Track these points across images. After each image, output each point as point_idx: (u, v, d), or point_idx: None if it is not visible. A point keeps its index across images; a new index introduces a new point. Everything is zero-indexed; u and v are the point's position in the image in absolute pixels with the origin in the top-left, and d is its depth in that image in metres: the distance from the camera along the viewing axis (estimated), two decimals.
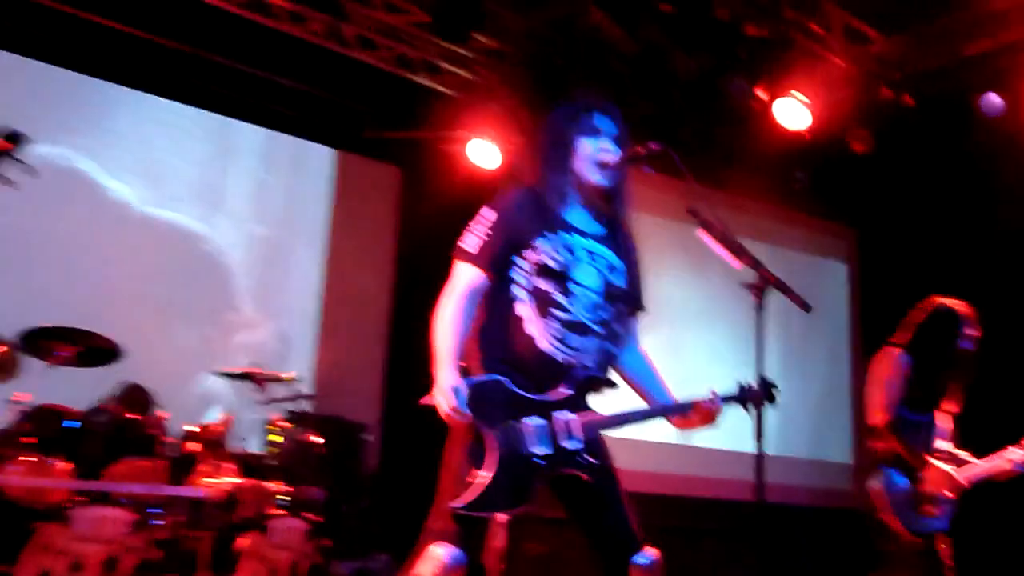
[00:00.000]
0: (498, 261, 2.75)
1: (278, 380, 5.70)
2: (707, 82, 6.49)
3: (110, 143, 6.61)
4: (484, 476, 2.54)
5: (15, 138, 2.08)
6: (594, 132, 2.86)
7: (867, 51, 6.51)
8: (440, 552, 2.53)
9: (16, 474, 4.56)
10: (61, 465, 4.67)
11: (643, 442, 6.00)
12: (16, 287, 5.88)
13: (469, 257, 2.76)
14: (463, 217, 2.89)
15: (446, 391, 2.57)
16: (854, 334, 8.70)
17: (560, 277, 2.74)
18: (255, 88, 7.00)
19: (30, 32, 6.11)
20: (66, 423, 4.87)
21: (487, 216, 2.81)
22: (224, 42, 6.55)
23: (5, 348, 4.92)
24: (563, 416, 2.68)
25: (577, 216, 2.87)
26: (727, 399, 2.83)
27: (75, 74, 6.49)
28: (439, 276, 2.83)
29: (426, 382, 2.70)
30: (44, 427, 4.80)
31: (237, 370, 5.65)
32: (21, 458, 4.62)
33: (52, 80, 6.37)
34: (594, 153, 2.84)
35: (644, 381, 2.97)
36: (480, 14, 6.05)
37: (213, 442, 5.22)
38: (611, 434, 2.80)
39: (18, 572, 4.19)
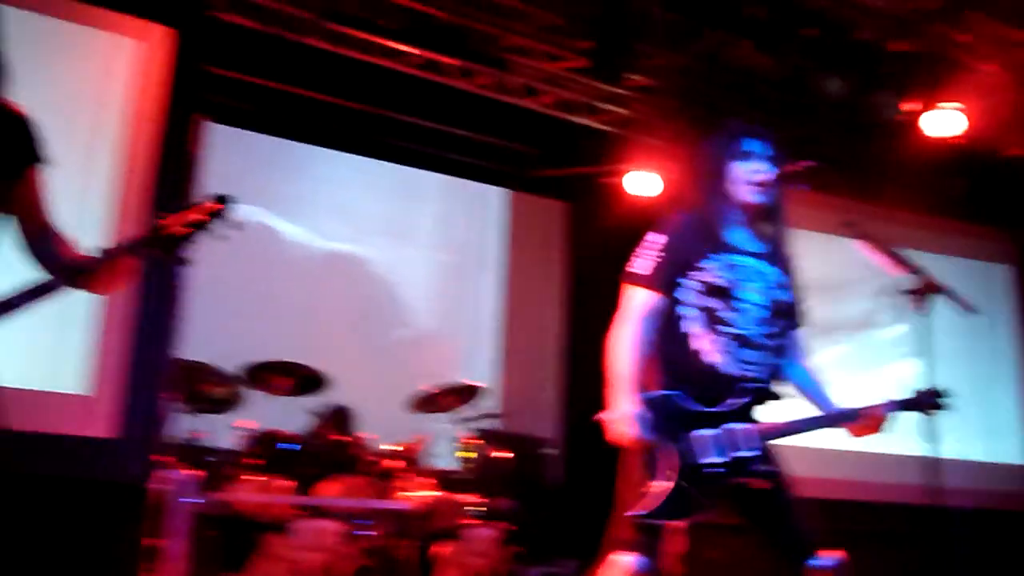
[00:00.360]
0: (668, 282, 2.70)
1: (469, 392, 5.76)
2: (855, 100, 6.22)
3: (310, 197, 6.96)
4: (661, 486, 2.50)
5: (223, 199, 2.22)
6: (747, 156, 2.78)
7: (1018, 55, 6.08)
8: (624, 560, 2.50)
9: (245, 492, 4.80)
10: (282, 483, 4.87)
11: (813, 449, 5.78)
12: (237, 328, 6.21)
13: (640, 280, 2.72)
14: (628, 245, 2.85)
15: (628, 418, 2.53)
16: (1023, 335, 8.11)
17: (726, 294, 2.67)
18: (432, 139, 7.20)
19: (234, 105, 6.46)
20: (285, 446, 5.07)
21: (654, 240, 2.77)
22: (401, 100, 6.76)
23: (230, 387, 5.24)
24: (735, 426, 2.61)
25: (738, 236, 2.79)
26: (897, 405, 2.69)
27: (275, 138, 6.86)
28: (608, 300, 2.80)
29: (602, 399, 2.68)
30: (267, 450, 5.00)
31: (433, 388, 5.73)
32: (248, 477, 4.85)
33: (256, 145, 6.75)
34: (748, 175, 2.76)
35: (812, 392, 2.85)
36: (633, 56, 6.02)
37: (411, 459, 5.33)
38: (782, 442, 2.70)
39: None
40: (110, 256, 2.11)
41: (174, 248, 2.18)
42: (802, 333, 2.90)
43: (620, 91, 6.64)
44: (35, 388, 4.56)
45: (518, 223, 7.77)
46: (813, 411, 2.83)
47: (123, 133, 5.04)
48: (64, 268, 2.10)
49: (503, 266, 7.65)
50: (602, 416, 2.59)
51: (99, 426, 4.74)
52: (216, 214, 2.20)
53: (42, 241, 2.19)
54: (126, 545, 4.42)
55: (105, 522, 4.61)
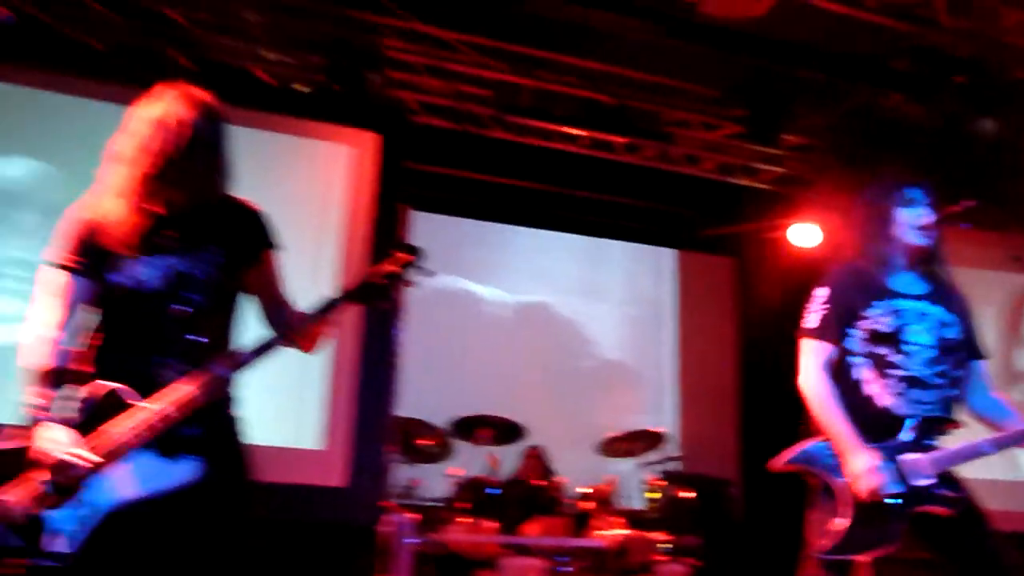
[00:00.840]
0: (837, 332, 2.59)
1: (653, 438, 5.67)
2: (1014, 138, 5.74)
3: (508, 265, 7.15)
4: (842, 523, 2.36)
5: (414, 250, 2.25)
6: (909, 202, 2.64)
7: None
8: None
9: (457, 532, 4.88)
10: (489, 524, 4.92)
11: (1005, 481, 5.30)
12: (444, 385, 6.39)
13: (813, 334, 2.62)
14: (791, 294, 2.75)
15: (867, 473, 2.38)
16: None
17: (893, 339, 2.53)
18: (607, 210, 7.22)
19: (433, 195, 6.72)
20: (490, 490, 5.13)
21: (820, 294, 2.67)
22: (577, 177, 6.83)
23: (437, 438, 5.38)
24: (910, 456, 2.43)
25: (901, 281, 2.64)
26: None
27: (470, 220, 7.11)
28: (776, 345, 2.71)
29: (775, 440, 2.56)
30: (474, 494, 5.09)
31: (618, 433, 5.68)
32: (459, 520, 4.94)
33: (454, 227, 6.99)
34: (913, 220, 2.62)
35: (1001, 420, 2.60)
36: (785, 118, 5.84)
37: (603, 500, 5.27)
38: (985, 476, 2.46)
39: None
40: (318, 312, 2.18)
41: (375, 297, 2.22)
42: (983, 364, 2.68)
43: (776, 151, 6.45)
44: (280, 445, 4.85)
45: (689, 279, 7.66)
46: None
47: (343, 224, 5.37)
48: (283, 328, 2.19)
49: (678, 319, 7.54)
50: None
51: (333, 476, 4.96)
52: (409, 264, 2.23)
53: (278, 313, 2.30)
54: None
55: (342, 561, 4.79)
